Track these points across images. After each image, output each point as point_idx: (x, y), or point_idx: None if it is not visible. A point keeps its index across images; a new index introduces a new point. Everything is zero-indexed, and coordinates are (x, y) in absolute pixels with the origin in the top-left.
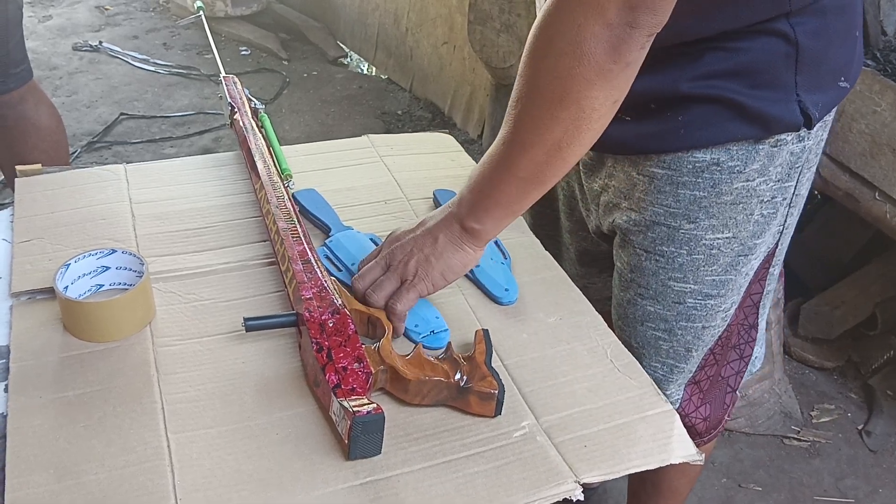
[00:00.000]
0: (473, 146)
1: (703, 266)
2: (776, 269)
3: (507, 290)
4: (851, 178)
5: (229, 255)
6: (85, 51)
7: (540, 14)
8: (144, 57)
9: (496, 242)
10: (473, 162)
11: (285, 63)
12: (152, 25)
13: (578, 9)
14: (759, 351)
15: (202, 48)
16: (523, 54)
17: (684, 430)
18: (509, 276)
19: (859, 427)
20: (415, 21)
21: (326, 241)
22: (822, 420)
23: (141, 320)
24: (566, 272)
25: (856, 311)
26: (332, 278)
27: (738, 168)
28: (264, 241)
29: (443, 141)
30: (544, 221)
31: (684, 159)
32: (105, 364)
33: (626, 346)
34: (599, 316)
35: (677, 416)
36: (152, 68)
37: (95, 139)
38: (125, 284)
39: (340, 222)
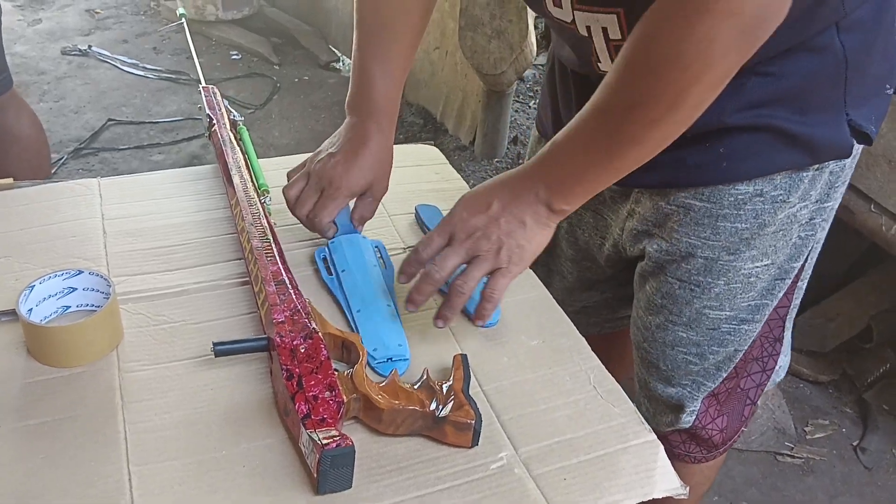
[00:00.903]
0: (465, 153)
1: (741, 294)
2: (804, 282)
3: None
4: (847, 189)
5: (202, 274)
6: (73, 55)
7: (647, 24)
8: (133, 61)
9: None
10: (458, 175)
11: (276, 68)
12: (142, 29)
13: (707, 18)
14: (783, 360)
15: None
16: (623, 62)
17: (668, 462)
18: None
19: (854, 443)
20: None
21: (329, 243)
22: (817, 436)
23: (107, 344)
24: (555, 296)
25: (851, 324)
26: (306, 300)
27: (781, 197)
28: (239, 259)
29: (427, 153)
30: None
31: (725, 192)
32: (69, 391)
33: (652, 368)
34: (583, 339)
35: (661, 446)
36: (141, 73)
37: (82, 145)
38: (93, 306)
39: (350, 225)
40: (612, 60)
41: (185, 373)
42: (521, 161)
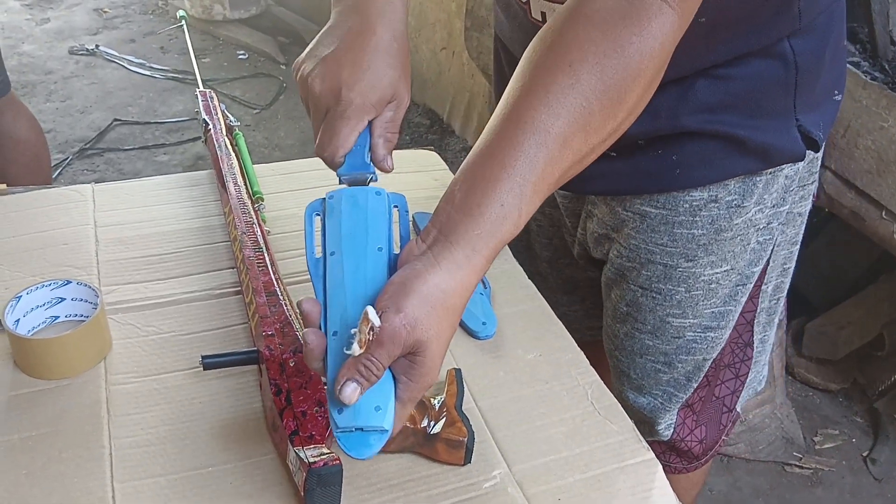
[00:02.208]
0: None
1: (702, 301)
2: (769, 285)
3: (484, 323)
4: (857, 195)
5: (194, 283)
6: (81, 55)
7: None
8: (140, 61)
9: None
10: None
11: (283, 67)
12: (150, 28)
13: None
14: (761, 370)
15: (199, 52)
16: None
17: (666, 483)
18: (488, 307)
19: (864, 454)
20: (413, 25)
21: (326, 196)
22: (826, 446)
23: (95, 356)
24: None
25: (862, 332)
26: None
27: (736, 202)
28: (232, 268)
29: (427, 159)
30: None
31: (680, 198)
32: (54, 404)
33: (623, 377)
34: (581, 353)
35: (659, 465)
36: (148, 73)
37: (87, 146)
38: (81, 316)
39: (365, 164)
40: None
41: (174, 385)
42: None
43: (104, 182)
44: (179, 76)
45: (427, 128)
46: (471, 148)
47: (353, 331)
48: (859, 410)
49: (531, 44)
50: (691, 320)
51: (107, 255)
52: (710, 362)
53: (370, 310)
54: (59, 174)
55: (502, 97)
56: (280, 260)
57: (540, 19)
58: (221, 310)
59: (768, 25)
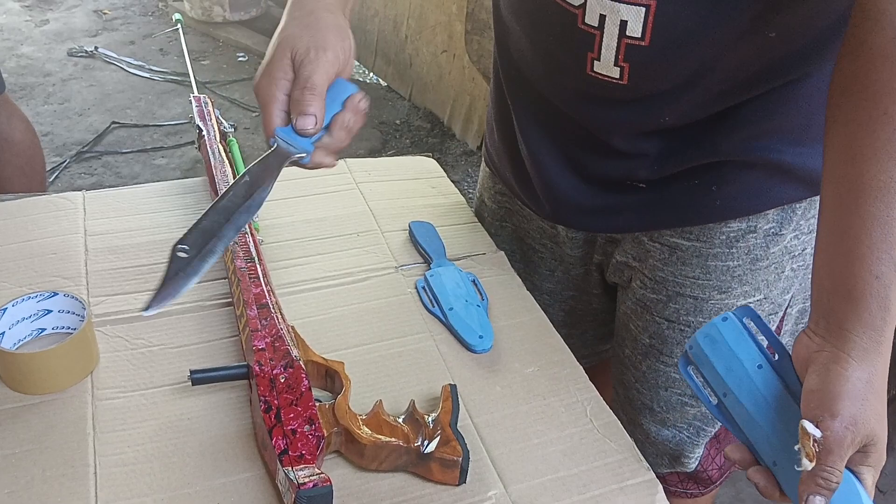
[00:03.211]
0: (472, 158)
1: None
2: (794, 308)
3: (481, 336)
4: None
5: (184, 294)
6: (80, 56)
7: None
8: (140, 63)
9: (474, 281)
10: (455, 189)
11: None
12: (149, 30)
13: None
14: None
15: (198, 54)
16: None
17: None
18: (485, 320)
19: None
20: (414, 28)
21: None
22: None
23: (81, 371)
24: None
25: None
26: (290, 325)
27: (773, 230)
28: (223, 278)
29: (424, 165)
30: None
31: (715, 230)
32: (39, 420)
33: (645, 410)
34: (580, 367)
35: (660, 486)
36: (147, 75)
37: (85, 149)
38: (68, 328)
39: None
40: (616, 62)
41: (162, 401)
42: None
43: (101, 187)
44: (178, 79)
45: (427, 131)
46: (471, 151)
47: (796, 447)
48: None
49: (831, 95)
50: None
51: (96, 265)
52: None
53: (807, 424)
54: (56, 177)
55: (825, 163)
56: (273, 270)
57: (595, 25)
58: (212, 322)
59: (828, 44)
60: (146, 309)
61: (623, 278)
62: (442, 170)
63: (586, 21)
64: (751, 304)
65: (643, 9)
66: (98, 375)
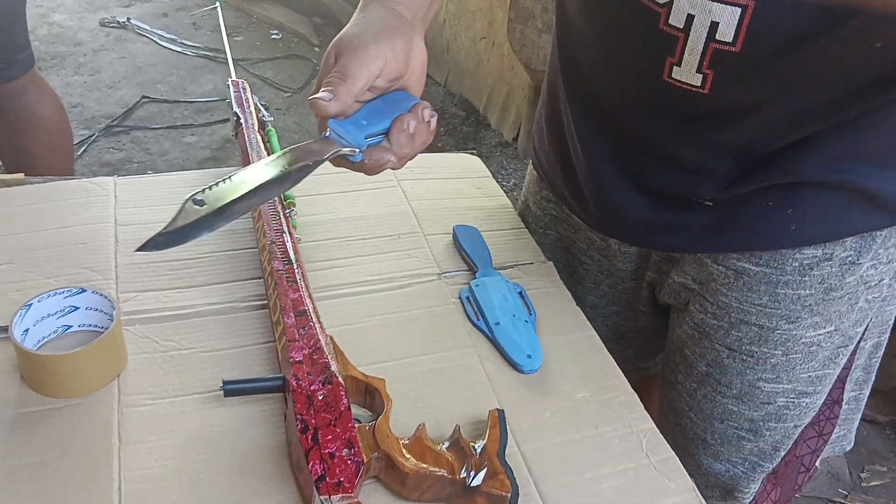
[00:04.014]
0: (508, 149)
1: (800, 364)
2: (868, 342)
3: (529, 356)
4: None
5: (218, 293)
6: (112, 27)
7: None
8: (172, 36)
9: (521, 293)
10: (500, 191)
11: (316, 49)
12: (183, 3)
13: None
14: (851, 429)
15: (231, 29)
16: None
17: None
18: (533, 337)
19: None
20: (453, 12)
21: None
22: (873, 483)
23: (108, 374)
24: None
25: None
26: (329, 336)
27: (850, 259)
28: (259, 278)
29: (468, 164)
30: None
31: (788, 256)
32: (62, 425)
33: (698, 441)
34: (635, 395)
35: None
36: (179, 49)
37: (114, 122)
38: (96, 327)
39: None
40: (700, 68)
41: (192, 410)
42: None
43: (129, 162)
44: (211, 54)
45: (462, 119)
46: (507, 143)
47: None
48: None
49: None
50: (785, 385)
51: (126, 258)
52: (800, 429)
53: None
54: (84, 151)
55: None
56: (310, 272)
57: (680, 26)
58: (246, 325)
59: None
60: (141, 248)
61: (679, 300)
62: (487, 169)
63: (670, 22)
64: (821, 336)
65: (739, 9)
66: (125, 379)
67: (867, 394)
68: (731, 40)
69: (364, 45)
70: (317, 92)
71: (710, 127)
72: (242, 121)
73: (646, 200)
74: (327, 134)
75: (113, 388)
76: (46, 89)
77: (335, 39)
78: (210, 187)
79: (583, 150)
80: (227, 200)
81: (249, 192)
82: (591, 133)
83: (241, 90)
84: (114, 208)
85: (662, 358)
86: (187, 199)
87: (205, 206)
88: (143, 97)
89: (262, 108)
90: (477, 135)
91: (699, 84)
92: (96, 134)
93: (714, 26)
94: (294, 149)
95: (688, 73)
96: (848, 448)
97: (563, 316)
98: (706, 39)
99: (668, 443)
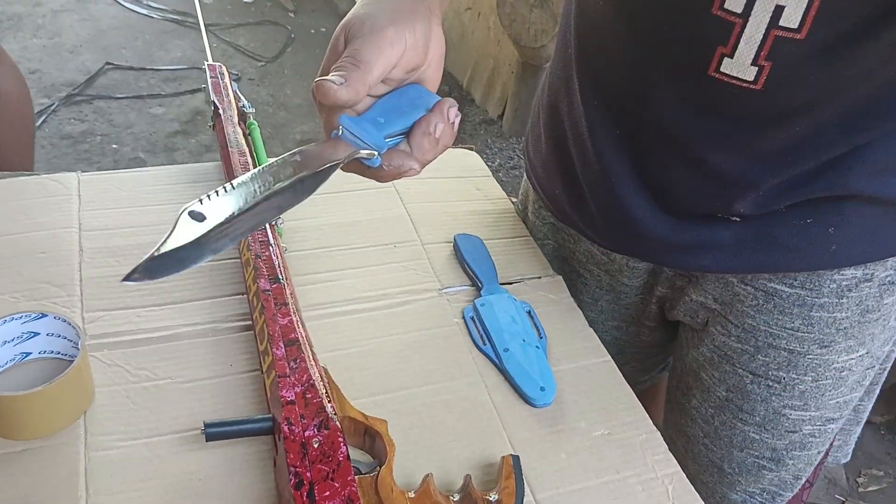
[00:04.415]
0: (492, 127)
1: (830, 391)
2: (889, 360)
3: (542, 389)
4: None
5: (197, 312)
6: None
7: None
8: None
9: (529, 312)
10: (501, 191)
11: (291, 16)
12: None
13: None
14: (849, 442)
15: None
16: None
17: None
18: (545, 366)
19: None
20: None
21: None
22: (870, 489)
23: (73, 412)
24: None
25: None
26: (324, 367)
27: (890, 279)
28: (242, 293)
29: (466, 161)
30: None
31: (826, 277)
32: (21, 473)
33: (713, 469)
34: (657, 433)
35: None
36: (145, 11)
37: (76, 91)
38: (58, 354)
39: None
40: (756, 59)
41: (170, 453)
42: None
43: (92, 135)
44: (179, 18)
45: (445, 95)
46: (492, 120)
47: None
48: None
49: None
50: (812, 413)
51: (92, 271)
52: (822, 456)
53: None
54: (44, 122)
55: None
56: (297, 286)
57: (738, 11)
58: (230, 350)
59: None
60: (127, 277)
61: (696, 319)
62: (486, 166)
63: (726, 6)
64: (853, 360)
65: None
66: (93, 416)
67: (870, 405)
68: (796, 26)
69: (380, 29)
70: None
71: (756, 130)
72: (221, 111)
73: (668, 216)
74: (339, 133)
75: (78, 428)
76: (7, 61)
77: (344, 21)
78: (209, 197)
79: (597, 159)
80: (233, 212)
81: (259, 202)
82: (611, 140)
83: (220, 76)
84: (77, 211)
85: (672, 380)
86: (182, 212)
87: (205, 222)
88: (107, 64)
89: (242, 98)
90: (460, 111)
91: (752, 79)
92: (56, 103)
93: (779, 10)
94: (302, 151)
95: (740, 65)
96: (843, 461)
97: (574, 339)
98: (768, 25)
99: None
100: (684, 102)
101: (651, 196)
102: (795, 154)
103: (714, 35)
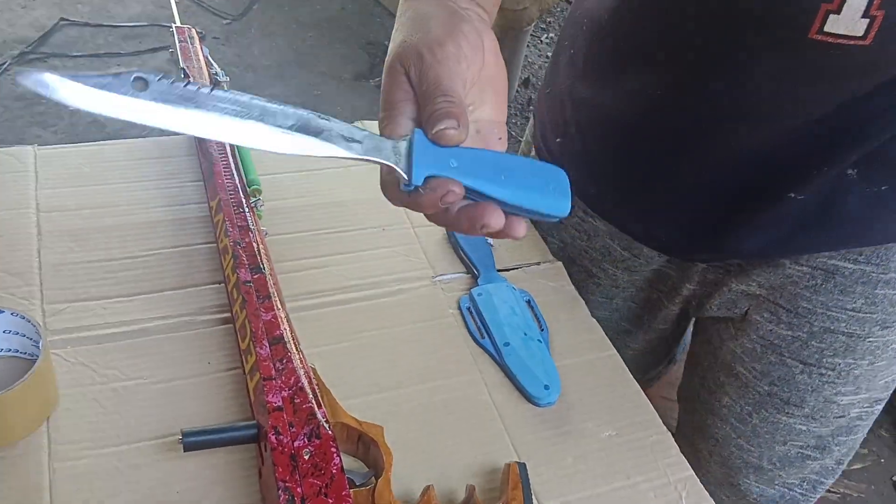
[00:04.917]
0: None
1: (882, 371)
2: None
3: (546, 387)
4: None
5: (171, 304)
6: None
7: None
8: None
9: (528, 302)
10: None
11: None
12: None
13: None
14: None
15: None
16: None
17: None
18: (549, 361)
19: (893, 477)
20: None
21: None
22: (854, 467)
23: (35, 418)
24: None
25: None
26: (312, 368)
27: None
28: (219, 282)
29: None
30: None
31: (894, 250)
32: None
33: (748, 468)
34: (668, 434)
35: None
36: None
37: (29, 48)
38: (17, 352)
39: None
40: (867, 11)
41: (143, 463)
42: (531, 107)
43: (47, 98)
44: None
45: None
46: None
47: None
48: (885, 423)
49: None
50: (863, 395)
51: (52, 256)
52: (862, 438)
53: None
54: None
55: None
56: (279, 273)
57: (869, 35)
58: (207, 345)
59: None
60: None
61: (735, 311)
62: None
63: (825, 29)
64: None
65: None
66: (56, 422)
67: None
68: None
69: (437, 49)
70: (389, 117)
71: (847, 93)
72: (191, 79)
73: (714, 198)
74: (403, 139)
75: (41, 435)
76: None
77: (397, 51)
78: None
79: (628, 139)
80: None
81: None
82: (658, 115)
83: (189, 39)
84: (34, 189)
85: (694, 378)
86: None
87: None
88: (62, 19)
89: (213, 64)
90: None
91: (861, 34)
92: (8, 62)
93: None
94: (360, 129)
95: (849, 21)
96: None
97: (578, 331)
98: None
99: (698, 475)
100: (773, 69)
101: (696, 177)
102: (875, 119)
103: None
